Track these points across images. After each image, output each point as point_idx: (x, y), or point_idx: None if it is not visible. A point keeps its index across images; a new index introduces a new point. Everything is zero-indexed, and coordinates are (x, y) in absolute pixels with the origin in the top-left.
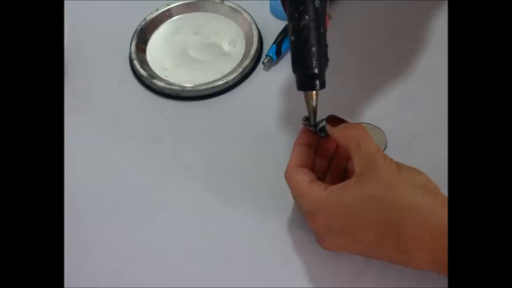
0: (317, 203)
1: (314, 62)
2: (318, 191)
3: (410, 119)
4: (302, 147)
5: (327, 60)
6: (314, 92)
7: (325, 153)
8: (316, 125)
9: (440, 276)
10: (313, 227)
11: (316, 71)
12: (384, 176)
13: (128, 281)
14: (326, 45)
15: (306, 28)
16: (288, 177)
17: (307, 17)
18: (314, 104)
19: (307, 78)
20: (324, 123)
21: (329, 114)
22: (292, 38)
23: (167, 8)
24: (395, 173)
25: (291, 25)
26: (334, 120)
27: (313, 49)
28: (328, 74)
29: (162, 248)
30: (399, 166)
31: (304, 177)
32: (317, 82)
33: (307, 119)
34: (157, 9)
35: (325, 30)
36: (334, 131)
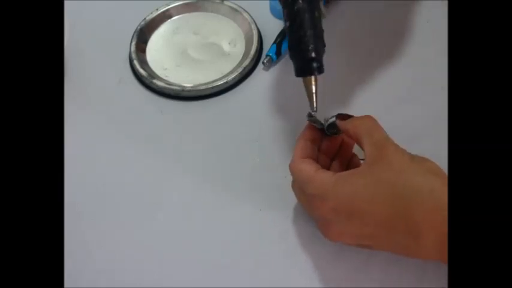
0: (326, 186)
1: (310, 46)
2: (326, 176)
3: (410, 119)
4: (307, 142)
5: (324, 45)
6: (313, 77)
7: (328, 152)
8: (320, 122)
9: (440, 276)
10: (320, 212)
11: (313, 54)
12: (394, 162)
13: (128, 281)
14: (322, 31)
15: (300, 12)
16: (293, 167)
17: (300, 0)
18: (314, 89)
19: (305, 62)
20: (333, 119)
21: (337, 113)
22: (288, 24)
23: (167, 8)
24: (407, 160)
25: (285, 11)
26: (344, 117)
27: (309, 32)
28: (328, 74)
29: (162, 248)
30: (411, 155)
31: (311, 166)
32: (314, 66)
33: (311, 115)
34: (157, 9)
35: (320, 15)
36: (346, 123)
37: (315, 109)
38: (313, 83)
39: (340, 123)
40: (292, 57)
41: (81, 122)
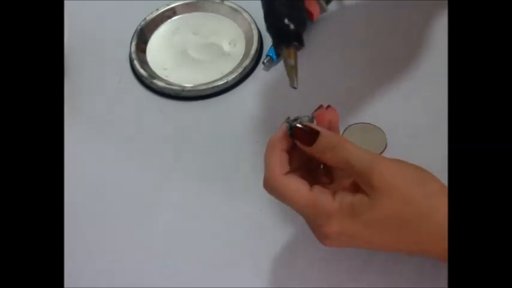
0: (330, 216)
1: (284, 13)
2: (327, 202)
3: (410, 119)
4: (283, 153)
5: (304, 18)
6: (292, 49)
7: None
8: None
9: (440, 276)
10: (321, 230)
11: (286, 21)
12: (393, 188)
13: (128, 281)
14: (301, 5)
15: None
16: (277, 186)
17: None
18: (292, 62)
19: (280, 32)
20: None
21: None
22: None
23: (167, 8)
24: (402, 180)
25: None
26: (303, 134)
27: (282, 1)
28: (329, 74)
29: (162, 248)
30: (399, 167)
31: (299, 185)
32: (291, 36)
33: (291, 122)
34: (157, 9)
35: None
36: (314, 153)
37: (295, 85)
38: (292, 56)
39: (307, 150)
40: (268, 29)
41: (81, 122)
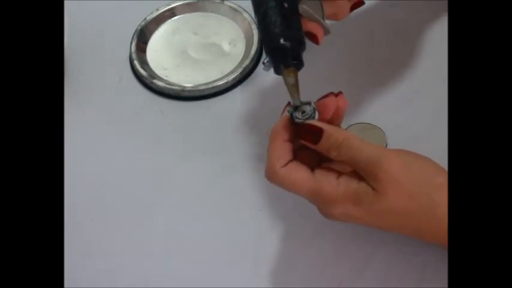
0: (334, 201)
1: (279, 34)
2: (330, 188)
3: (410, 119)
4: (284, 143)
5: (301, 38)
6: (291, 70)
7: None
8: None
9: (440, 276)
10: (325, 212)
11: (282, 41)
12: (397, 183)
13: (127, 280)
14: (298, 22)
15: (264, 2)
16: (277, 179)
17: None
18: (292, 81)
19: (277, 53)
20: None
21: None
22: (256, 17)
23: (167, 7)
24: (407, 176)
25: (253, 5)
26: (306, 133)
27: (276, 20)
28: (329, 74)
29: (162, 248)
30: (405, 162)
31: (300, 174)
32: (289, 55)
33: (292, 111)
34: (157, 9)
35: (294, 7)
36: (319, 151)
37: (298, 104)
38: (291, 75)
39: (315, 148)
40: (266, 51)
41: (81, 122)
